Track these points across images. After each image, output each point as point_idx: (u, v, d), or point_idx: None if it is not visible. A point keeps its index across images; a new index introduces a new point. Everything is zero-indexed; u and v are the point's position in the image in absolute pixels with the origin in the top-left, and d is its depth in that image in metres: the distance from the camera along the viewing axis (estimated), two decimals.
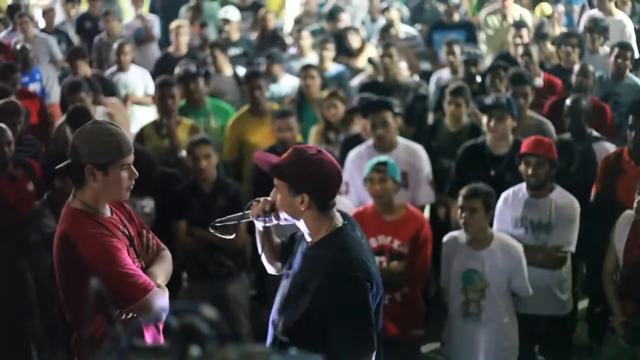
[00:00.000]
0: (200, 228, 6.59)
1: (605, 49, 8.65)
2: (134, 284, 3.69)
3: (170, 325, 1.96)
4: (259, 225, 3.86)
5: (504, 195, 6.18)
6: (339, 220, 3.71)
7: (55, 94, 10.25)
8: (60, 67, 11.21)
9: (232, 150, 8.05)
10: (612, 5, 9.52)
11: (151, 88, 10.05)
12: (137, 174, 3.83)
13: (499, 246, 5.76)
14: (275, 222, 3.75)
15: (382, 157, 6.31)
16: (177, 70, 8.63)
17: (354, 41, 10.49)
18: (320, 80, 8.70)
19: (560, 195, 6.05)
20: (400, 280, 6.07)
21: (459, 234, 5.95)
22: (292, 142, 7.09)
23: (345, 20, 11.75)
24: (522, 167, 6.02)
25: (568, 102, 6.95)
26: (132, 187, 3.84)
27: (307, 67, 8.85)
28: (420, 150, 7.08)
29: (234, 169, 8.03)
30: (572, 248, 5.98)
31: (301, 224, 3.68)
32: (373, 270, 3.65)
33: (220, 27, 11.69)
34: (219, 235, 3.88)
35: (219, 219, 3.87)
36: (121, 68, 10.01)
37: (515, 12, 10.77)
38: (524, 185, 6.09)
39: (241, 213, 3.80)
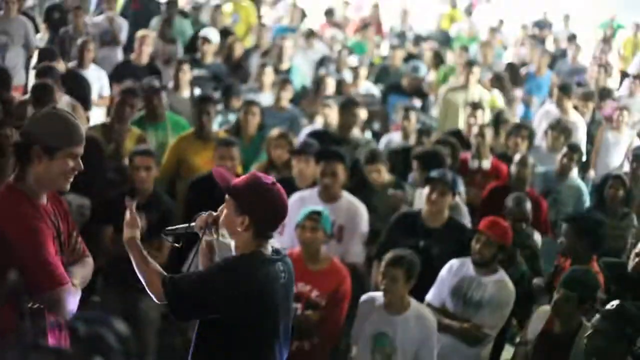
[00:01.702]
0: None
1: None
2: (51, 273, 3.65)
3: (78, 330, 1.95)
4: (202, 239, 3.92)
5: (451, 262, 6.27)
6: (267, 250, 3.79)
7: (20, 77, 10.19)
8: (32, 52, 11.15)
9: (169, 169, 8.00)
10: (569, 105, 9.72)
11: (106, 90, 10.02)
12: (83, 167, 3.81)
13: (414, 315, 5.80)
14: (214, 237, 3.85)
15: (318, 207, 6.34)
16: (143, 81, 8.62)
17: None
18: (260, 119, 8.72)
19: (500, 281, 6.14)
20: (312, 330, 6.07)
21: (377, 295, 5.97)
22: (232, 171, 7.08)
23: (288, 47, 11.88)
24: (473, 242, 6.14)
25: (510, 202, 7.00)
26: (72, 178, 3.81)
27: (249, 103, 8.83)
28: (362, 208, 7.07)
29: (167, 187, 7.98)
30: (494, 333, 6.07)
31: (232, 245, 3.78)
32: (259, 293, 3.74)
33: (198, 46, 11.70)
34: (169, 242, 3.98)
35: (169, 227, 3.98)
36: (81, 64, 9.96)
37: (476, 92, 10.91)
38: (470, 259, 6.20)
39: (187, 224, 3.87)
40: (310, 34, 13.67)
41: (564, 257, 6.38)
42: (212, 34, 11.63)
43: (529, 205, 6.99)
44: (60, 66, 9.25)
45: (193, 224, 3.85)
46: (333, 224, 6.55)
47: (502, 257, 6.23)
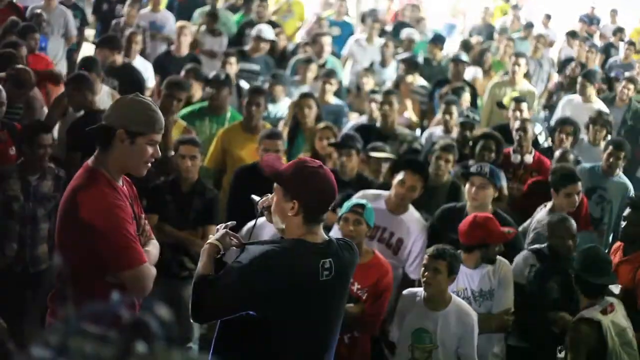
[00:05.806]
0: (171, 226, 6.60)
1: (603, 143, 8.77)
2: (133, 252, 3.81)
3: (121, 315, 1.89)
4: (259, 217, 4.05)
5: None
6: (318, 237, 3.83)
7: (61, 67, 10.30)
8: (71, 42, 11.28)
9: (216, 160, 8.06)
10: (592, 92, 9.72)
11: (151, 81, 10.11)
12: (160, 154, 3.98)
13: (454, 310, 5.75)
14: (266, 219, 3.97)
15: (361, 200, 6.28)
16: (211, 74, 8.73)
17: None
18: (317, 111, 8.72)
19: (498, 264, 6.13)
20: (352, 323, 6.04)
21: (418, 290, 5.94)
22: None
23: (327, 44, 11.81)
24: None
25: (553, 220, 6.61)
26: (150, 164, 3.97)
27: (305, 96, 8.84)
28: (424, 226, 6.86)
29: (215, 179, 8.05)
30: (512, 308, 6.10)
31: (283, 230, 3.85)
32: (286, 278, 3.73)
33: (246, 41, 11.74)
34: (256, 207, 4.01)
35: (254, 196, 4.08)
36: (128, 55, 10.03)
37: (524, 86, 10.87)
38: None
39: (261, 198, 4.00)
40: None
41: (622, 241, 6.52)
42: (267, 32, 11.51)
43: (574, 227, 6.56)
44: (118, 59, 9.37)
45: (260, 200, 3.97)
46: (392, 235, 6.57)
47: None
